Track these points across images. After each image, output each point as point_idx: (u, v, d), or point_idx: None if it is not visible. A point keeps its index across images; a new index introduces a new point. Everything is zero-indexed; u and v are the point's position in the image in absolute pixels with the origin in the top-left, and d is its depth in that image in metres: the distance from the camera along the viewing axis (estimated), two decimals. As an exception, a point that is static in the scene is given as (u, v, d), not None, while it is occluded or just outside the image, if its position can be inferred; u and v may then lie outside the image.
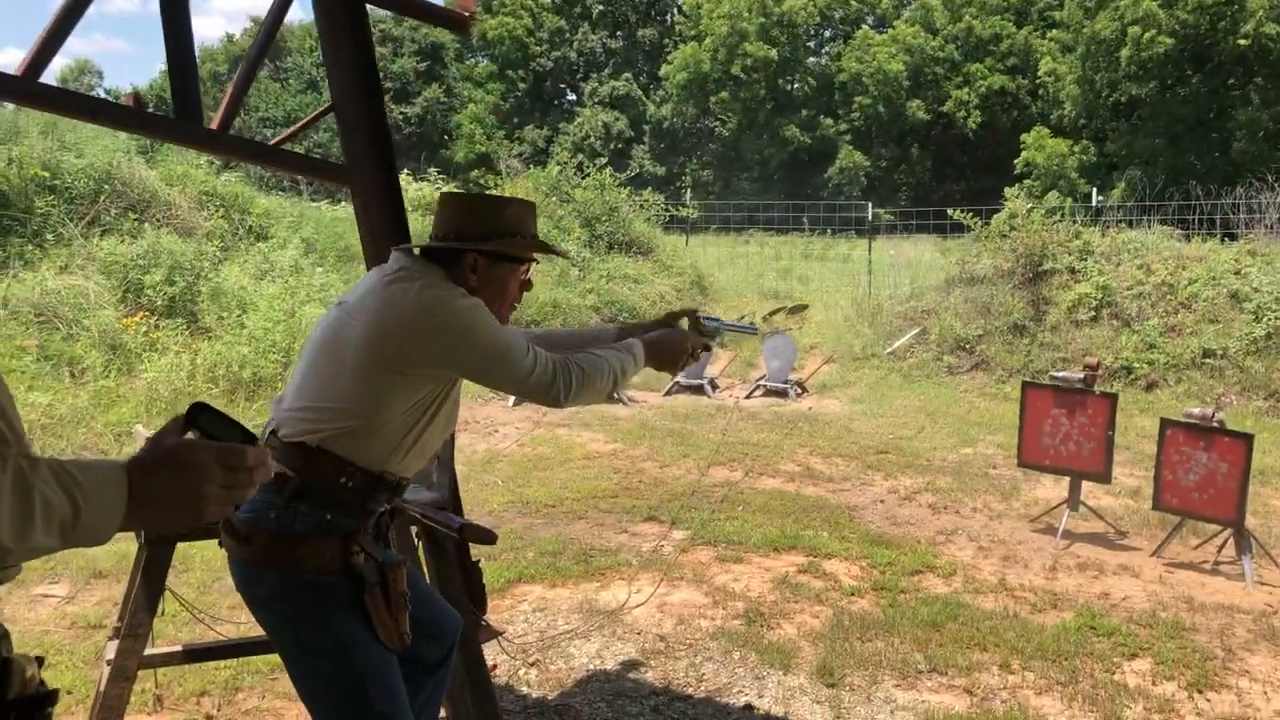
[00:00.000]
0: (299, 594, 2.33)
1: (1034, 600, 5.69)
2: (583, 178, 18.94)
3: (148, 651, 3.32)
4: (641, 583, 5.79)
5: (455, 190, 3.13)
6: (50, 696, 1.36)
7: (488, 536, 3.23)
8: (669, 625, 5.18)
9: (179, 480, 1.27)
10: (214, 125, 3.33)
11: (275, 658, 4.47)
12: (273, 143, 3.53)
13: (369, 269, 3.85)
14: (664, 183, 49.61)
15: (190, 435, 1.31)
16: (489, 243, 2.53)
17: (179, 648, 3.50)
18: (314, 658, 2.37)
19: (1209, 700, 4.52)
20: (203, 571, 5.79)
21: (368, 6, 3.67)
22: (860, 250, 22.29)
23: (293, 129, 3.55)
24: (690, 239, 25.66)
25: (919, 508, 7.65)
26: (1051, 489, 8.06)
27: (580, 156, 46.42)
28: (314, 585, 2.32)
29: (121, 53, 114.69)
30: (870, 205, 22.07)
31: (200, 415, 1.31)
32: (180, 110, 3.21)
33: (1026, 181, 37.79)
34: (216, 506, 1.30)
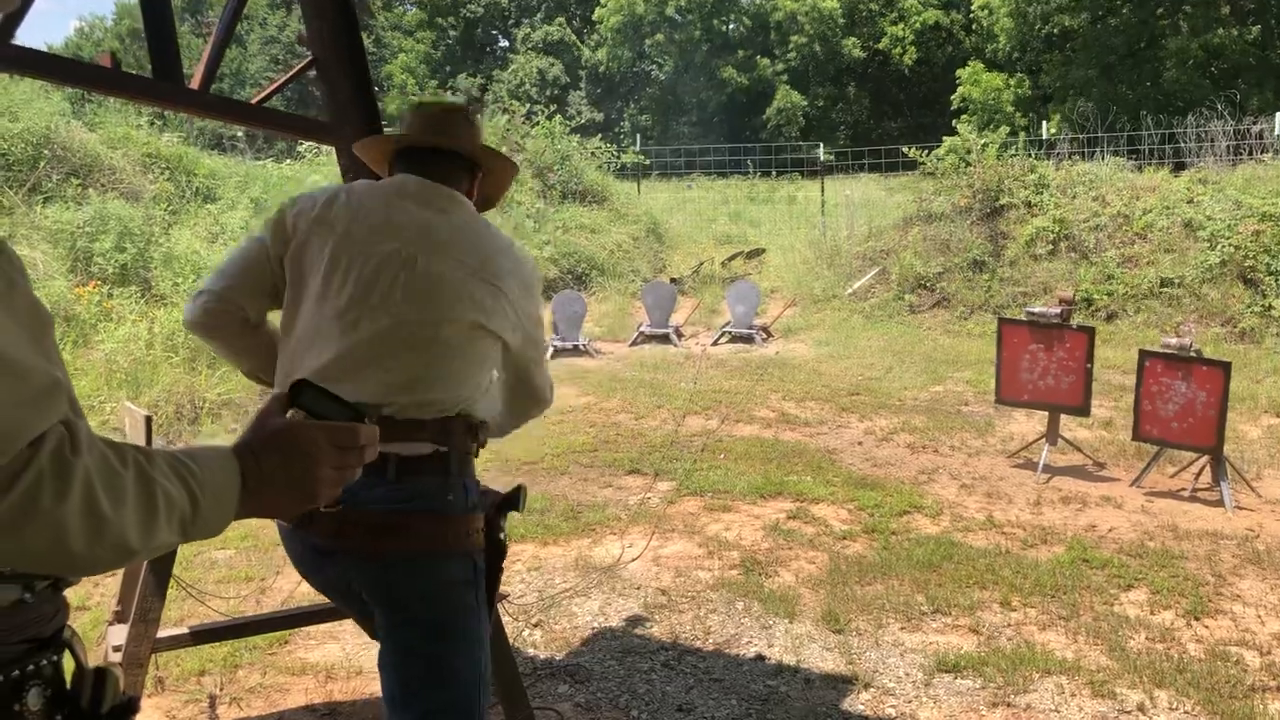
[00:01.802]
0: (465, 584, 2.17)
1: (1024, 536, 5.73)
2: (532, 127, 18.64)
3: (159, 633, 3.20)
4: (633, 536, 5.74)
5: (430, 99, 2.89)
6: (133, 704, 1.26)
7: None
8: (667, 578, 5.14)
9: (291, 463, 1.18)
10: (194, 85, 3.16)
11: (270, 634, 4.39)
12: (254, 100, 3.36)
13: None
14: (603, 128, 49.04)
15: (293, 414, 1.21)
16: (500, 161, 2.47)
17: (186, 630, 3.37)
18: (476, 643, 2.19)
19: (1206, 627, 4.57)
20: (185, 547, 5.64)
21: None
22: (806, 191, 22.25)
23: (274, 85, 3.39)
24: (632, 184, 25.45)
25: (898, 448, 7.67)
26: (1025, 424, 8.12)
27: (516, 104, 46.01)
28: (477, 566, 2.19)
29: (41, 9, 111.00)
30: (821, 146, 21.96)
31: (303, 393, 1.22)
32: (159, 71, 3.04)
33: (964, 116, 37.89)
34: (329, 489, 1.22)
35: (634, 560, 5.38)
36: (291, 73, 3.48)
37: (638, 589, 5.01)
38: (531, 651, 4.37)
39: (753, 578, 5.10)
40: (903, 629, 4.53)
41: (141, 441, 3.30)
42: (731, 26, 51.15)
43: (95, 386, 7.41)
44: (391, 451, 2.11)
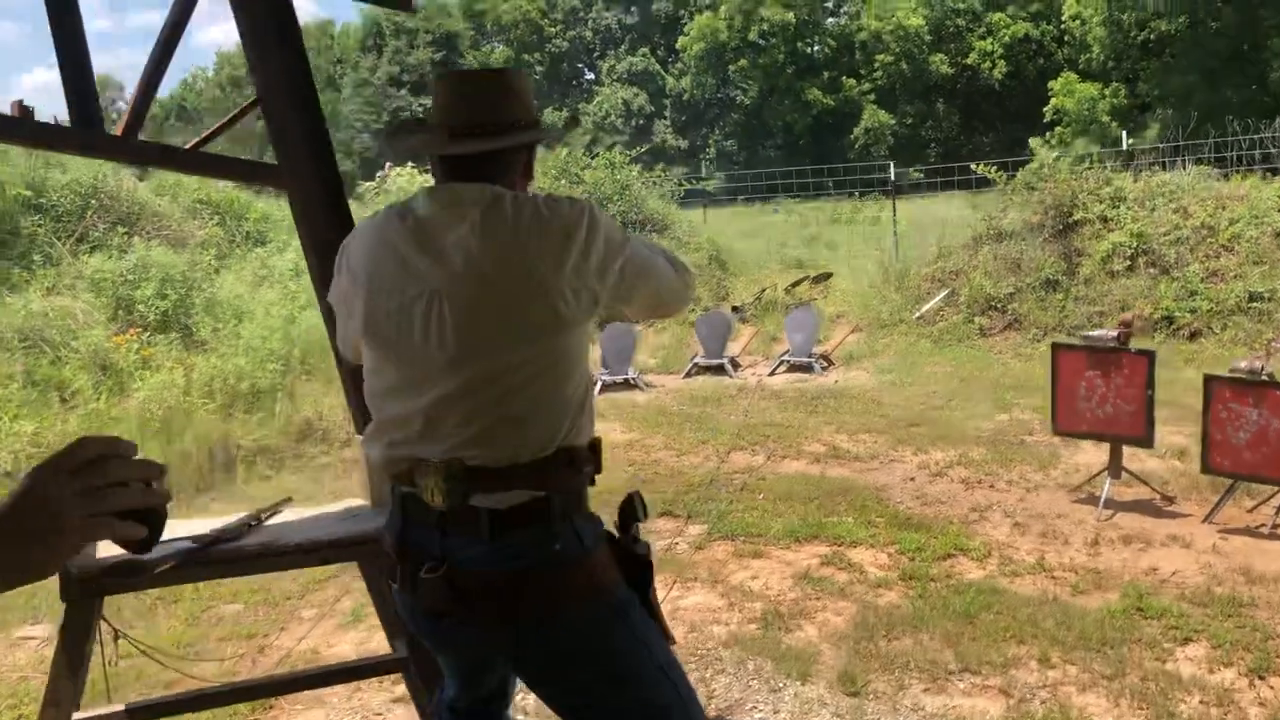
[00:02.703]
0: (613, 625, 1.99)
1: (1075, 581, 5.28)
2: (592, 158, 18.54)
3: (83, 715, 3.02)
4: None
5: (459, 69, 2.61)
6: None
7: None
8: (679, 633, 4.81)
9: (19, 509, 0.99)
10: (119, 131, 2.99)
11: (254, 701, 4.19)
12: (189, 145, 3.18)
13: (316, 279, 3.50)
14: (687, 156, 49.23)
15: None
16: (551, 131, 2.22)
17: (120, 708, 3.18)
18: (650, 679, 2.03)
19: (1272, 688, 4.10)
20: (192, 603, 5.52)
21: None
22: (890, 212, 21.65)
23: (211, 129, 3.20)
24: (715, 212, 25.23)
25: (951, 484, 7.24)
26: (1094, 453, 7.60)
27: (601, 135, 46.45)
28: (619, 604, 2.00)
29: (142, 64, 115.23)
30: (892, 164, 21.46)
31: None
32: (78, 118, 2.88)
33: (1058, 129, 36.97)
34: (82, 524, 1.00)
35: (649, 613, 5.07)
36: (233, 114, 3.31)
37: (646, 646, 4.70)
38: (520, 719, 4.10)
39: (771, 633, 4.76)
40: (925, 690, 4.15)
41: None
42: (816, 48, 50.96)
43: (128, 435, 7.36)
44: (483, 505, 1.91)
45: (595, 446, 2.10)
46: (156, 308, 8.62)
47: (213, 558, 2.85)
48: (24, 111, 2.76)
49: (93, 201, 9.44)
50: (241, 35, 3.19)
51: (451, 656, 2.23)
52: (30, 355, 7.59)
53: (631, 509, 2.16)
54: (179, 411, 7.64)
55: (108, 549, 3.02)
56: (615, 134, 49.18)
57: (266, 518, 3.21)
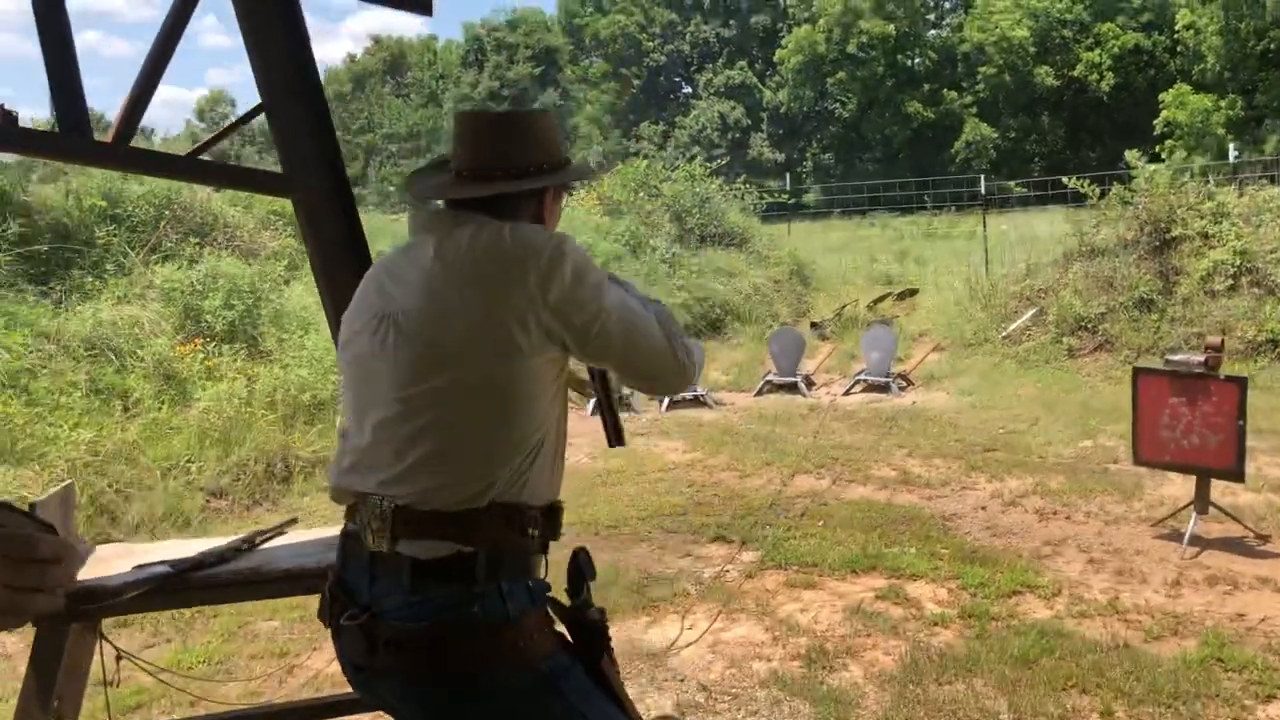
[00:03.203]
0: (540, 696, 1.81)
1: (1150, 625, 4.89)
2: (672, 171, 18.37)
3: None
4: (697, 616, 5.21)
5: (476, 109, 2.51)
6: None
7: None
8: (718, 670, 4.58)
9: None
10: (109, 138, 2.89)
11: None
12: (188, 152, 3.07)
13: (323, 292, 3.39)
14: (784, 169, 48.87)
15: None
16: (565, 174, 2.03)
17: (105, 736, 3.07)
18: None
19: (1365, 756, 3.70)
20: (229, 618, 5.44)
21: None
22: (1001, 225, 20.86)
23: (212, 136, 3.09)
24: (807, 225, 24.89)
25: (1025, 514, 6.86)
26: (1182, 485, 7.13)
27: (697, 149, 46.56)
28: (551, 672, 1.82)
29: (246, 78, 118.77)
30: (982, 178, 20.86)
31: None
32: (65, 124, 2.78)
33: (1169, 142, 35.66)
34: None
35: (689, 646, 4.85)
36: (235, 121, 3.19)
37: (680, 681, 4.48)
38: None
39: (813, 672, 4.49)
40: (973, 744, 3.84)
41: (62, 518, 3.04)
42: (916, 61, 50.30)
43: (187, 444, 7.40)
44: (406, 553, 1.77)
45: (552, 511, 1.93)
46: (223, 318, 8.68)
47: (191, 584, 2.73)
48: (6, 117, 2.67)
49: (166, 212, 9.58)
50: (244, 36, 3.07)
51: (379, 709, 2.05)
52: (96, 364, 7.67)
53: (578, 569, 1.97)
54: (239, 422, 7.64)
55: (87, 572, 2.92)
56: (711, 148, 49.16)
57: (261, 541, 3.08)
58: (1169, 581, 5.47)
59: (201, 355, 8.21)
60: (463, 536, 1.77)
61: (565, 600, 1.96)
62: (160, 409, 7.57)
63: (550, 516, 1.92)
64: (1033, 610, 5.15)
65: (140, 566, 2.79)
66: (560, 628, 1.94)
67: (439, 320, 1.80)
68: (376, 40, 64.58)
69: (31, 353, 7.41)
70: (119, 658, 3.54)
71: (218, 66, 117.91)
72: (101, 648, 3.14)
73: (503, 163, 1.95)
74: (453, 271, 1.82)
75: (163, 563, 2.77)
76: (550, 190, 2.03)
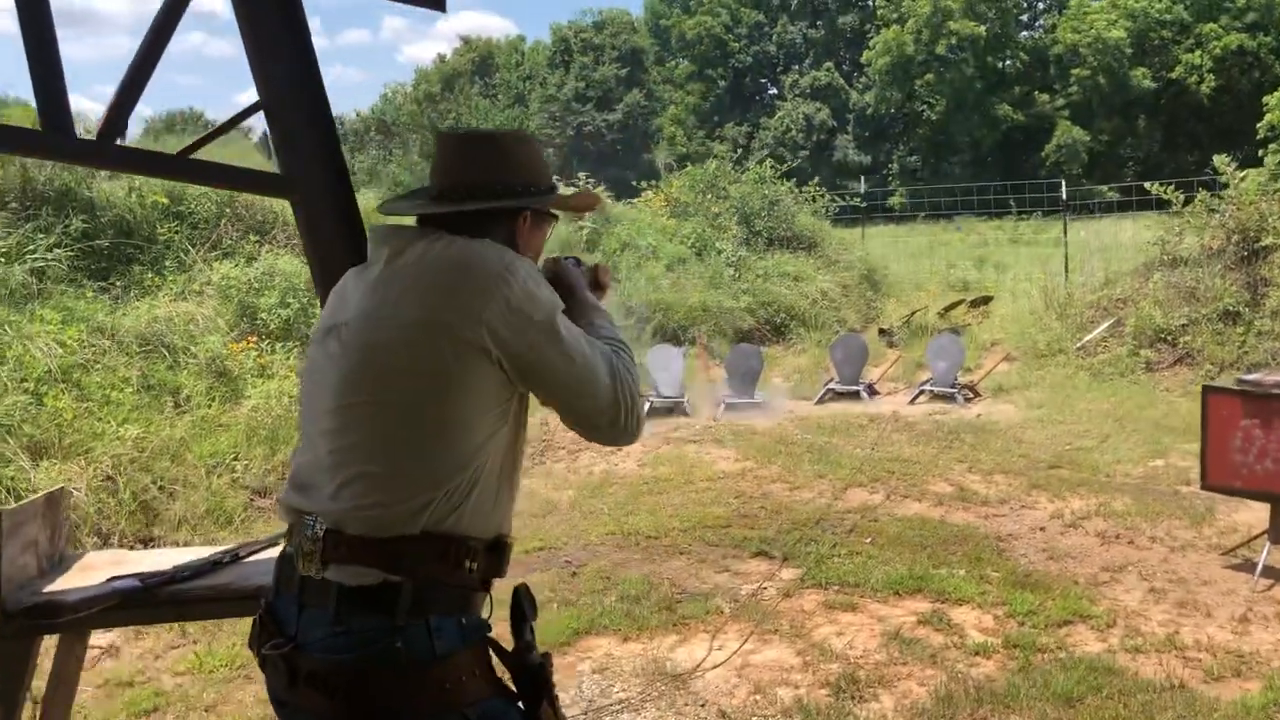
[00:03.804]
0: None
1: (1211, 664, 4.57)
2: (742, 173, 18.13)
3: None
4: (728, 635, 5.02)
5: (458, 129, 2.47)
6: None
7: None
8: (741, 694, 4.39)
9: None
10: (95, 135, 2.82)
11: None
12: (179, 151, 2.98)
13: (321, 296, 3.29)
14: (869, 171, 48.29)
15: None
16: (537, 199, 1.94)
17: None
18: None
19: None
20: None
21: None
22: (1076, 232, 20.14)
23: (204, 135, 3.00)
24: (889, 229, 24.46)
25: (1085, 536, 6.53)
26: (1256, 512, 6.74)
27: (782, 150, 46.22)
28: (482, 717, 1.71)
29: (355, 81, 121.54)
30: (1064, 183, 20.25)
31: None
32: (49, 122, 2.71)
33: (1272, 146, 34.31)
34: None
35: (715, 668, 4.67)
36: (230, 119, 3.10)
37: (701, 705, 4.31)
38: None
39: (841, 702, 4.28)
40: (1003, 790, 3.60)
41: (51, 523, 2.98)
42: (1007, 62, 49.41)
43: (234, 442, 7.41)
44: (333, 579, 1.68)
45: (497, 546, 1.81)
46: (278, 316, 8.71)
47: (159, 599, 2.63)
48: (-14, 116, 2.60)
49: (227, 210, 9.66)
50: (241, 31, 2.97)
51: None
52: (149, 360, 7.73)
53: (519, 608, 1.86)
54: (287, 420, 7.64)
55: (70, 581, 2.85)
56: (796, 150, 48.76)
57: (247, 554, 2.97)
58: (1236, 616, 5.14)
59: (254, 353, 8.24)
60: (391, 565, 1.67)
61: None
62: (210, 406, 7.60)
63: (495, 551, 1.81)
64: (1084, 642, 4.86)
65: (114, 579, 2.70)
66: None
67: (375, 331, 1.74)
68: (466, 41, 65.35)
69: (86, 348, 7.48)
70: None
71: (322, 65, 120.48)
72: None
73: (468, 180, 1.89)
74: (395, 283, 1.76)
75: (134, 575, 2.68)
76: (526, 215, 1.93)
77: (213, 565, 2.84)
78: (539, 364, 1.73)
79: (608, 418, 1.80)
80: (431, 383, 1.68)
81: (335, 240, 3.13)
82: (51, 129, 2.70)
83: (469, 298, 1.68)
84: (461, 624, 1.73)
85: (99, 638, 5.33)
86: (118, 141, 2.84)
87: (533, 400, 1.85)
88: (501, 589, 1.89)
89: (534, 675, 1.79)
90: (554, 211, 2.05)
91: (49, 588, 2.73)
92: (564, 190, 2.10)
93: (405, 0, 3.62)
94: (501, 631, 1.86)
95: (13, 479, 6.08)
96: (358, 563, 1.67)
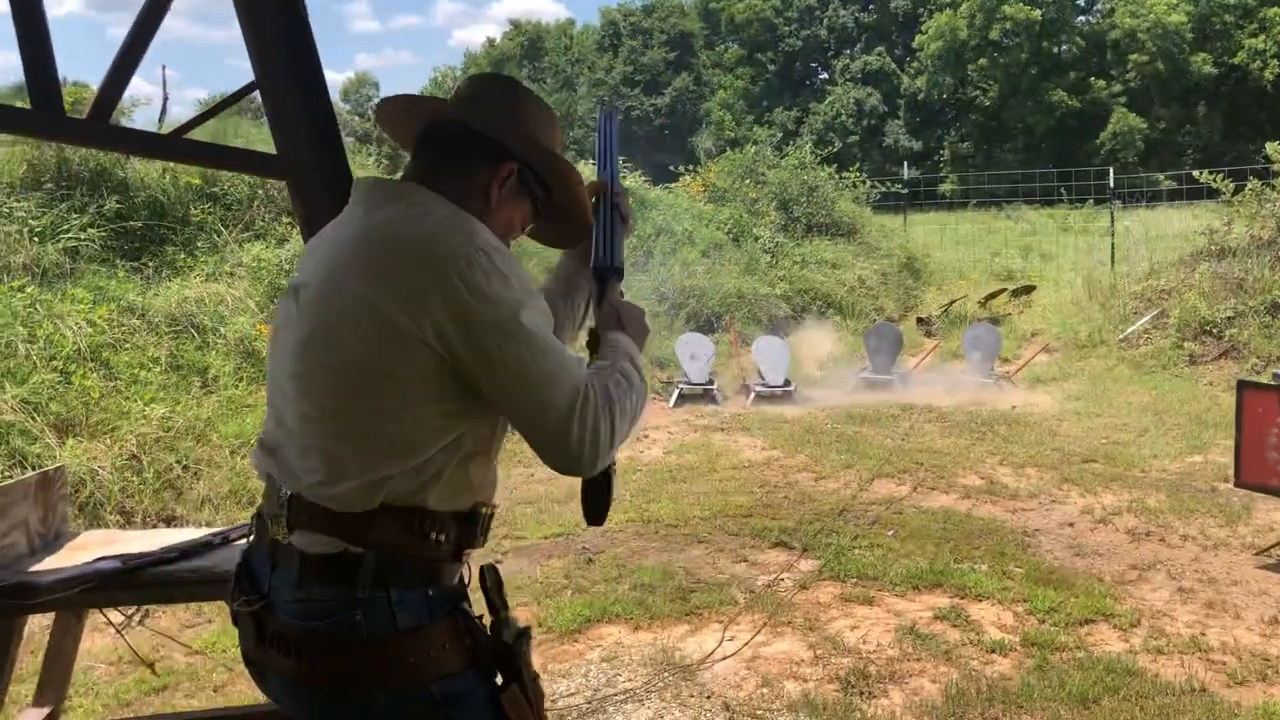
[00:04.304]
0: (447, 706, 1.66)
1: (1235, 667, 4.44)
2: (781, 158, 17.93)
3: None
4: (741, 627, 4.96)
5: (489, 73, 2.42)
6: None
7: None
8: (748, 688, 4.33)
9: None
10: (85, 115, 2.80)
11: None
12: (171, 130, 2.96)
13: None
14: (921, 157, 47.72)
15: None
16: (544, 155, 1.85)
17: None
18: None
19: None
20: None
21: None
22: (1131, 221, 19.66)
23: (198, 115, 2.97)
24: (945, 215, 24.16)
25: (1115, 533, 6.39)
26: (1294, 510, 6.58)
27: (832, 135, 45.82)
28: (443, 697, 1.65)
29: (408, 64, 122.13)
30: (1111, 170, 19.84)
31: None
32: (39, 100, 2.69)
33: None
34: None
35: (725, 659, 4.61)
36: (226, 99, 3.07)
37: (707, 699, 4.25)
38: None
39: (849, 698, 4.20)
40: (1008, 793, 3.51)
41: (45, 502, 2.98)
42: (1063, 48, 48.49)
43: (259, 422, 7.44)
44: (297, 545, 1.65)
45: (471, 516, 1.74)
46: (307, 297, 8.75)
47: (141, 580, 2.62)
48: (-28, 94, 2.59)
49: (260, 191, 9.71)
50: (237, 11, 2.94)
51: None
52: (178, 340, 7.79)
53: (485, 587, 1.80)
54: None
55: (60, 560, 2.85)
56: (846, 135, 48.32)
57: (235, 538, 2.96)
58: (1265, 619, 4.99)
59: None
60: (352, 536, 1.63)
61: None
62: (237, 386, 7.64)
63: (468, 521, 1.73)
64: (1104, 641, 4.75)
65: (98, 559, 2.70)
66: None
67: (331, 297, 1.67)
68: (515, 25, 65.31)
69: (116, 327, 7.55)
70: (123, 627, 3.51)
71: (366, 51, 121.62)
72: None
73: (460, 111, 1.82)
74: (358, 250, 1.69)
75: (117, 557, 2.67)
76: (512, 170, 1.82)
77: (201, 547, 2.83)
78: (483, 367, 1.62)
79: (553, 439, 1.64)
80: (377, 363, 1.61)
81: (330, 220, 3.11)
82: (41, 107, 2.69)
83: (418, 286, 1.60)
84: (428, 596, 1.67)
85: (116, 615, 5.38)
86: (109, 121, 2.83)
87: None
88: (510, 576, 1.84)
89: (502, 654, 1.72)
90: (543, 206, 1.93)
91: (35, 567, 2.74)
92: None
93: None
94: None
95: (39, 455, 6.14)
96: (319, 531, 1.64)
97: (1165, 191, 24.70)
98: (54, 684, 3.20)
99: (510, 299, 1.63)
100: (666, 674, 4.46)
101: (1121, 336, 12.25)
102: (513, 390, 1.63)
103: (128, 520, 6.18)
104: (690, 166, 19.90)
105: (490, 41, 65.38)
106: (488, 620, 1.78)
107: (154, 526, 6.13)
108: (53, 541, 2.99)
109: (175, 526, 6.07)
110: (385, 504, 1.63)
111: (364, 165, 12.88)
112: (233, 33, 3.05)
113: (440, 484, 1.67)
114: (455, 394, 1.66)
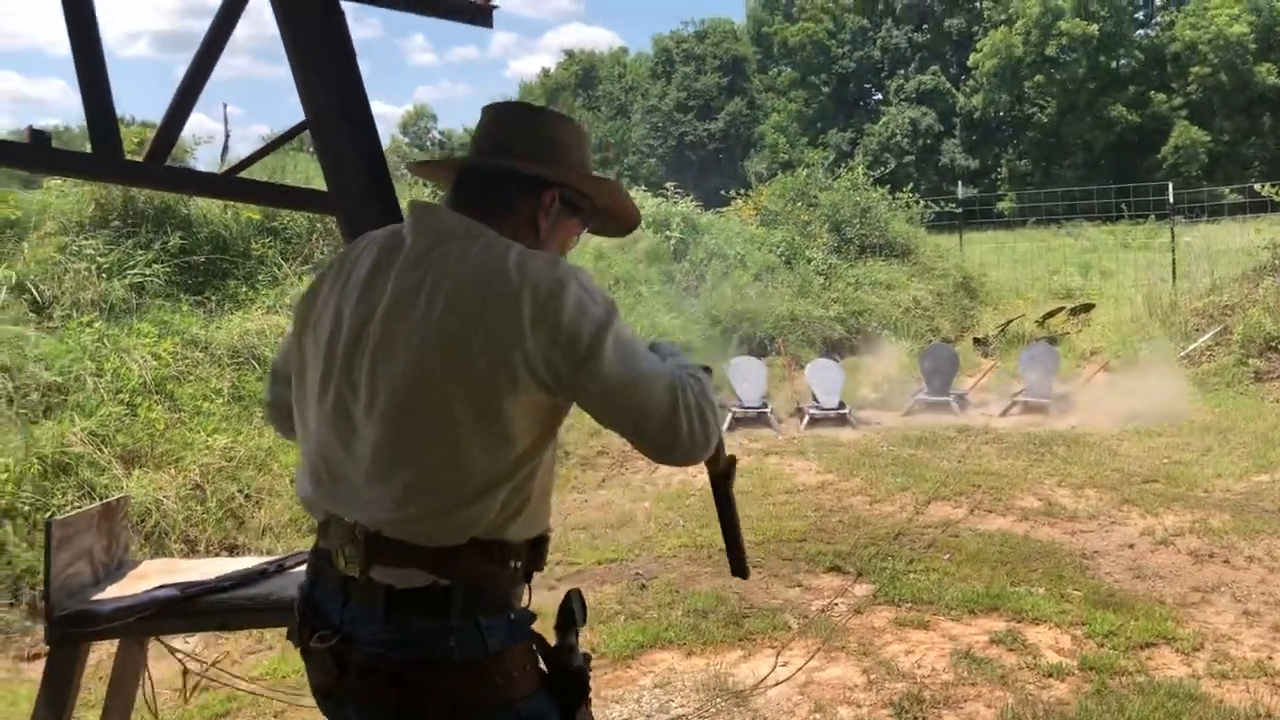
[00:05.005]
0: None
1: (1303, 692, 4.34)
2: (834, 179, 17.90)
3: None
4: (795, 652, 4.94)
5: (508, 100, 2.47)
6: None
7: None
8: (801, 713, 4.32)
9: None
10: (143, 157, 2.91)
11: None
12: (224, 170, 3.06)
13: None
14: (978, 176, 47.34)
15: None
16: (585, 182, 1.90)
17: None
18: None
19: None
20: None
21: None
22: (1192, 236, 19.31)
23: (251, 155, 3.07)
24: (1004, 234, 23.94)
25: (1177, 555, 6.27)
26: (1365, 530, 6.41)
27: (887, 155, 45.60)
28: (528, 716, 1.72)
29: (465, 95, 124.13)
30: (1170, 185, 19.52)
31: None
32: (98, 143, 2.81)
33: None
34: None
35: (778, 684, 4.60)
36: (280, 137, 3.17)
37: (759, 725, 4.24)
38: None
39: (903, 723, 4.17)
40: (1065, 821, 3.46)
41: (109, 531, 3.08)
42: (1121, 62, 47.95)
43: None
44: (380, 580, 1.69)
45: (538, 542, 1.81)
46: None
47: (197, 609, 2.69)
48: (38, 137, 2.70)
49: (318, 225, 9.91)
50: (287, 50, 3.04)
51: None
52: (239, 371, 7.96)
53: (569, 612, 1.83)
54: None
55: (121, 589, 2.94)
56: (901, 155, 48.11)
57: (293, 565, 3.03)
58: (1334, 642, 4.87)
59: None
60: (439, 568, 1.67)
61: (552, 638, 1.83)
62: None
63: (536, 547, 1.80)
64: (1166, 666, 4.66)
65: (157, 588, 2.77)
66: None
67: (419, 338, 1.66)
68: (569, 54, 66.04)
69: (180, 360, 7.74)
70: (185, 672, 3.59)
71: (425, 84, 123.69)
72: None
73: (504, 146, 1.85)
74: (442, 291, 1.68)
75: (175, 585, 2.75)
76: (554, 196, 1.86)
77: (257, 575, 2.91)
78: (593, 383, 1.66)
79: (668, 433, 1.71)
80: (478, 402, 1.64)
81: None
82: (101, 150, 2.80)
83: (518, 318, 1.63)
84: (510, 620, 1.73)
85: (182, 642, 5.50)
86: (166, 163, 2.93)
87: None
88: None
89: (573, 678, 1.78)
90: (588, 223, 2.00)
91: (99, 595, 2.82)
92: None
93: (455, 18, 3.66)
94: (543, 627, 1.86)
95: (106, 486, 6.30)
96: (404, 565, 1.67)
97: (1228, 205, 24.24)
98: (118, 710, 3.28)
99: (601, 312, 1.68)
100: (719, 700, 4.46)
101: (1183, 354, 12.03)
102: (618, 395, 1.68)
103: (191, 549, 6.32)
104: (742, 190, 19.99)
105: (545, 71, 66.24)
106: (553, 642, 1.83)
107: (216, 555, 6.26)
108: (115, 570, 3.08)
109: (237, 555, 6.19)
110: (473, 539, 1.68)
111: (420, 196, 13.06)
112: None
113: (515, 519, 1.72)
114: (544, 422, 1.72)
